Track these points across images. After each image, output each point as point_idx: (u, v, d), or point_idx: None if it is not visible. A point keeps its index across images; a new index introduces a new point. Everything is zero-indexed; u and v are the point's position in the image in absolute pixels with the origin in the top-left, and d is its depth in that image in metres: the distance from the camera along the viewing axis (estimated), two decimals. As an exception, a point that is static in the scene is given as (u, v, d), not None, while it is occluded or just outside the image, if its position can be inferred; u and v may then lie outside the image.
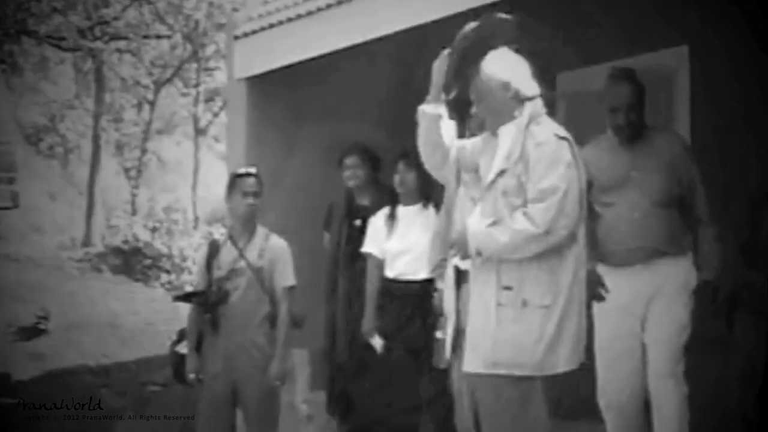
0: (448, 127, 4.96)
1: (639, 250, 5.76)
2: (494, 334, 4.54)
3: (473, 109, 4.90)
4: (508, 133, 4.76)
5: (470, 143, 4.97)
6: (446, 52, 4.90)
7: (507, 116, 4.78)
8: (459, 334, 4.78)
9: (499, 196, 4.64)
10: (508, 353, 4.55)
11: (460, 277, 4.78)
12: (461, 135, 5.10)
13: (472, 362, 4.61)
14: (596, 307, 5.78)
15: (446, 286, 4.89)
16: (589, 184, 5.39)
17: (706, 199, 5.89)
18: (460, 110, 5.09)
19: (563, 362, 4.65)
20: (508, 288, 4.57)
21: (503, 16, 4.91)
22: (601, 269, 5.85)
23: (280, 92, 9.68)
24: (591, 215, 5.55)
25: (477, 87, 4.81)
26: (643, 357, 5.80)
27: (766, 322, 6.23)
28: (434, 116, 4.89)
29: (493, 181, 4.68)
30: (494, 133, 4.83)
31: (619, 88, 5.95)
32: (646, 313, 5.78)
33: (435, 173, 5.06)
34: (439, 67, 4.90)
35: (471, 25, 4.86)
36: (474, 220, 4.70)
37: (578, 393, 5.96)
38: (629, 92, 5.91)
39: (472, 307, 4.63)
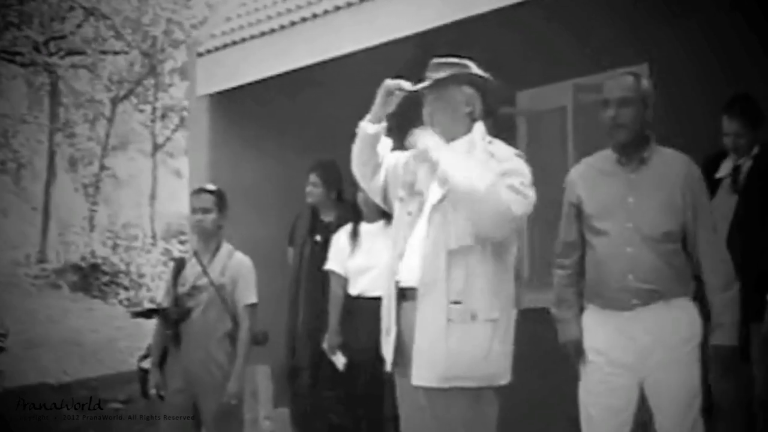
0: (384, 145, 4.94)
1: (632, 290, 4.91)
2: (446, 349, 4.55)
3: (425, 111, 4.85)
4: (459, 148, 4.75)
5: (403, 158, 4.94)
6: (405, 86, 4.85)
7: (460, 130, 4.78)
8: (401, 350, 4.76)
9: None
10: (461, 367, 4.56)
11: (402, 294, 4.76)
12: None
13: (423, 377, 4.60)
14: (589, 360, 5.08)
15: (386, 303, 4.84)
16: (579, 208, 5.11)
17: (710, 242, 4.98)
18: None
19: (508, 374, 4.71)
20: (456, 302, 4.57)
21: (486, 76, 4.86)
22: (592, 311, 5.10)
23: (243, 109, 9.72)
24: (582, 243, 5.14)
25: (445, 91, 4.80)
26: (635, 417, 5.03)
27: None
28: (371, 136, 4.85)
29: (443, 201, 4.68)
30: None
31: (615, 80, 5.09)
32: (645, 370, 4.94)
33: (363, 184, 5.05)
34: (387, 94, 4.81)
35: (442, 74, 4.80)
36: (422, 235, 4.70)
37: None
38: (625, 85, 5.04)
39: (420, 323, 4.61)
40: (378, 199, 5.07)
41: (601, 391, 4.99)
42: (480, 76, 4.84)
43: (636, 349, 4.91)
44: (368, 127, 4.84)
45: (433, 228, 4.66)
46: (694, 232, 4.93)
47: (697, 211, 4.93)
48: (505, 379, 4.68)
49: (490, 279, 4.63)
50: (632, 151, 5.00)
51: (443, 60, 4.85)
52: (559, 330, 5.20)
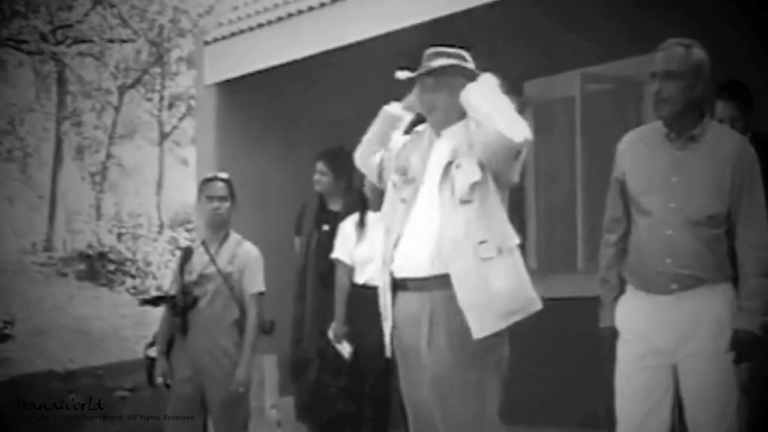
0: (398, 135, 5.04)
1: (670, 275, 4.65)
2: (490, 289, 4.60)
3: (423, 98, 4.88)
4: (453, 133, 4.81)
5: (398, 143, 5.01)
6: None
7: (457, 116, 4.81)
8: (400, 340, 4.81)
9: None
10: (506, 302, 4.62)
11: (398, 284, 4.79)
12: None
13: (483, 327, 4.61)
14: (624, 340, 4.82)
15: (382, 292, 4.89)
16: (623, 183, 4.85)
17: (750, 225, 4.65)
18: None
19: (538, 299, 4.74)
20: (483, 242, 4.62)
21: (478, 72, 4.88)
22: (631, 291, 4.83)
23: (250, 98, 9.74)
24: (627, 219, 4.87)
25: (440, 77, 4.82)
26: (673, 411, 4.76)
27: None
28: (396, 116, 4.98)
29: (446, 174, 4.73)
30: (437, 132, 4.87)
31: (663, 51, 4.71)
32: (679, 356, 4.68)
33: (361, 161, 5.13)
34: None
35: (444, 62, 4.82)
36: (428, 213, 4.75)
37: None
38: (672, 57, 4.67)
39: (457, 277, 4.62)
40: (374, 179, 5.13)
41: (635, 371, 4.74)
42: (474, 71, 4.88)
43: (673, 335, 4.65)
44: (392, 107, 4.98)
45: (444, 193, 4.71)
46: (736, 214, 4.63)
47: (742, 193, 4.62)
48: (539, 304, 4.72)
49: (501, 209, 4.72)
50: (681, 126, 4.69)
51: (441, 49, 4.89)
52: (600, 313, 4.96)
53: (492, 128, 4.56)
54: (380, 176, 5.06)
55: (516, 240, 4.72)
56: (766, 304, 4.62)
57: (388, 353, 4.87)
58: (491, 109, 4.62)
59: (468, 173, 4.67)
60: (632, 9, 8.20)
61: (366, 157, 5.08)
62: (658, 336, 4.69)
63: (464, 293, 4.61)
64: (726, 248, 4.67)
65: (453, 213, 4.67)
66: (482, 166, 4.66)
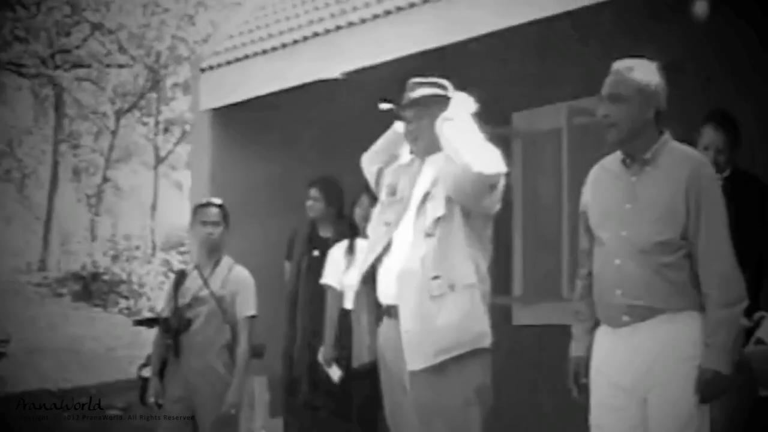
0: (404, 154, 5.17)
1: (621, 307, 4.38)
2: (434, 325, 4.66)
3: (408, 126, 5.00)
4: (435, 161, 4.89)
5: (400, 160, 5.16)
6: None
7: (439, 145, 4.88)
8: (384, 366, 4.91)
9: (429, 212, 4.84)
10: (449, 337, 4.67)
11: (382, 310, 4.90)
12: None
13: (418, 360, 4.69)
14: (592, 379, 4.56)
15: (360, 321, 5.01)
16: (586, 215, 4.63)
17: (711, 251, 4.32)
18: None
19: (489, 336, 4.79)
20: (436, 277, 4.68)
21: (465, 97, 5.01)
22: (600, 327, 4.56)
23: (245, 124, 9.79)
24: (590, 254, 4.64)
25: (420, 107, 4.94)
26: None
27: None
28: (401, 136, 5.10)
29: (422, 204, 4.83)
30: (422, 159, 4.99)
31: (610, 75, 4.51)
32: (644, 390, 4.37)
33: (365, 168, 5.28)
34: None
35: (425, 92, 4.95)
36: (407, 239, 4.83)
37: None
38: (616, 81, 4.47)
39: (405, 309, 4.71)
40: (372, 184, 5.27)
41: (604, 412, 4.46)
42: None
43: (633, 369, 4.36)
44: (401, 126, 5.08)
45: (418, 223, 4.81)
46: (695, 239, 4.30)
47: (699, 216, 4.30)
48: (488, 340, 4.77)
49: (464, 248, 4.74)
50: (634, 151, 4.43)
51: (421, 80, 5.01)
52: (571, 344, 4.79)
53: (460, 162, 4.64)
54: (377, 183, 5.19)
55: (474, 278, 4.74)
56: (732, 337, 4.32)
57: (355, 363, 5.04)
58: (461, 143, 4.70)
59: (435, 207, 4.76)
60: (619, 41, 8.30)
61: (369, 164, 5.23)
62: (618, 370, 4.41)
63: (406, 324, 4.70)
64: (687, 275, 4.34)
65: (418, 245, 4.76)
66: (449, 201, 4.74)
